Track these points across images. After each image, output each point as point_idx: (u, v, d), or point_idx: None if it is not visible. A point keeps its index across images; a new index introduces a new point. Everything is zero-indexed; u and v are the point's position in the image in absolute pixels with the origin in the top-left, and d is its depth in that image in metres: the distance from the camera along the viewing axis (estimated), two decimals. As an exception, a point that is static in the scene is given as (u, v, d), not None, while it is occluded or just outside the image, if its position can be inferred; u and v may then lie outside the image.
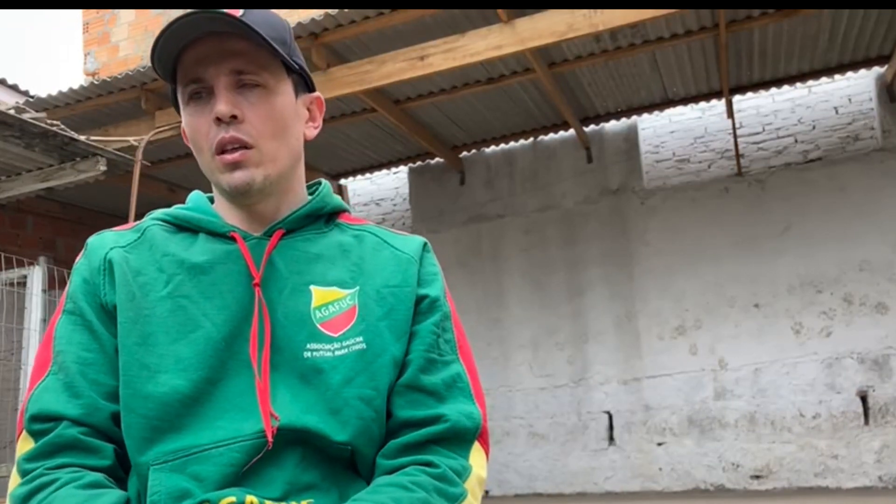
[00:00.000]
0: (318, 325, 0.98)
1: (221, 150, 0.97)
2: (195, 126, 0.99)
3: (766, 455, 5.89)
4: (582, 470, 6.41)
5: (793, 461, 5.80)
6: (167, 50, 0.96)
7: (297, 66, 1.03)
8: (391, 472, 0.95)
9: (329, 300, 1.00)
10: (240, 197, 1.00)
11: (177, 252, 1.01)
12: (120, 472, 0.95)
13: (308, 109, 1.08)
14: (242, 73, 0.97)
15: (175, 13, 7.67)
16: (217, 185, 1.02)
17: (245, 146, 0.97)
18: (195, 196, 1.11)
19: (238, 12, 0.95)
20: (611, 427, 6.41)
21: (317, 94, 1.10)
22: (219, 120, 0.96)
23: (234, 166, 0.97)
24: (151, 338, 0.94)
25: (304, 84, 1.07)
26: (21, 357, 4.55)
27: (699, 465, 6.07)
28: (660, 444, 6.21)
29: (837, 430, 5.71)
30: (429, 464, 0.94)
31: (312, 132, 1.09)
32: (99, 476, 0.91)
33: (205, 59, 0.96)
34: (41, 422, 0.93)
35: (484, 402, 1.04)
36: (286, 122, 1.02)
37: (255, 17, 0.97)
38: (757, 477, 5.88)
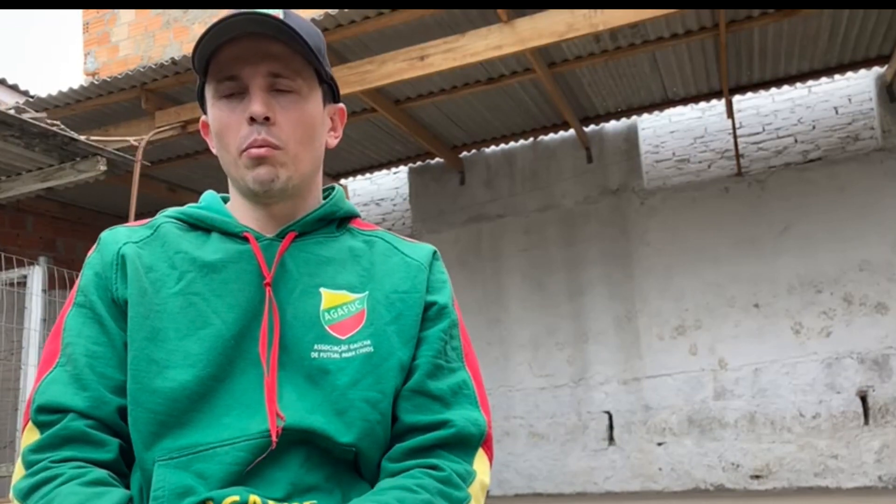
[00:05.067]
0: (327, 327, 0.98)
1: (249, 148, 0.98)
2: (224, 122, 1.00)
3: (766, 455, 5.89)
4: (582, 470, 6.41)
5: (793, 461, 5.80)
6: (207, 45, 0.97)
7: (328, 76, 1.05)
8: (396, 475, 0.95)
9: (338, 303, 1.00)
10: (261, 195, 1.01)
11: (189, 250, 1.01)
12: (124, 466, 0.95)
13: (331, 119, 1.10)
14: (279, 76, 0.99)
15: (176, 13, 7.67)
16: (238, 181, 1.02)
17: (274, 148, 0.98)
18: (209, 196, 1.12)
19: (279, 14, 0.96)
20: (611, 427, 6.41)
21: (341, 105, 1.12)
22: (252, 120, 0.97)
23: (260, 161, 0.98)
24: (161, 333, 0.95)
25: (332, 94, 1.09)
26: (21, 357, 4.55)
27: (699, 465, 6.07)
28: (660, 444, 6.22)
29: (837, 430, 5.71)
30: (434, 467, 0.95)
31: (333, 141, 1.11)
32: (103, 473, 0.92)
33: (242, 58, 0.98)
34: (48, 413, 0.93)
35: (489, 409, 1.05)
36: (314, 129, 1.03)
37: (296, 23, 0.98)
38: (757, 477, 5.89)
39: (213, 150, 1.08)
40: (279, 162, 0.99)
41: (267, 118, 0.97)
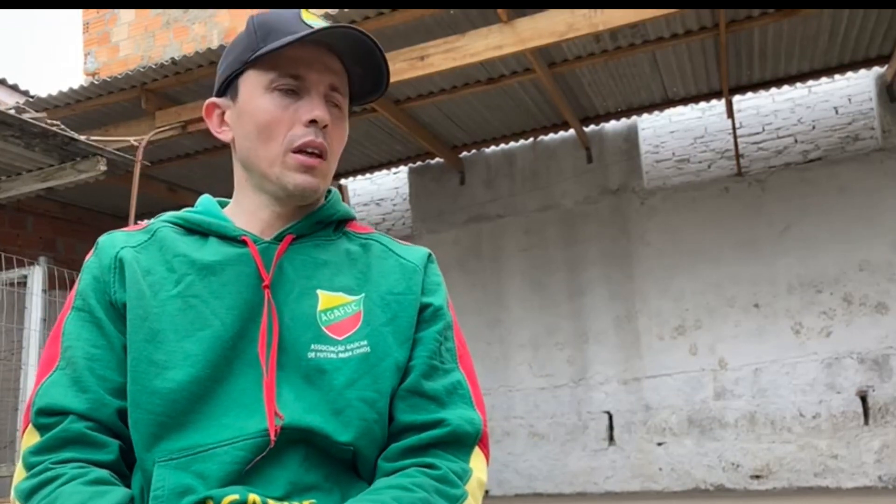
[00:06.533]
0: (324, 328, 0.99)
1: (300, 150, 1.01)
2: (276, 117, 1.01)
3: (766, 455, 5.89)
4: (582, 470, 6.41)
5: (793, 461, 5.80)
6: (282, 36, 1.00)
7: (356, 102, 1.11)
8: (392, 474, 0.96)
9: (335, 304, 1.01)
10: (295, 198, 1.04)
11: (188, 252, 1.02)
12: (124, 468, 0.96)
13: None
14: (335, 90, 1.04)
15: (176, 13, 7.66)
16: (272, 178, 1.03)
17: (322, 156, 1.02)
18: (205, 200, 1.12)
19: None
20: (611, 427, 6.41)
21: None
22: (313, 122, 1.00)
23: (308, 169, 1.01)
24: (160, 335, 0.96)
25: None
26: (21, 357, 4.55)
27: (699, 465, 6.07)
28: (660, 444, 6.22)
29: (837, 430, 5.71)
30: (430, 466, 0.95)
31: None
32: (104, 472, 0.92)
33: (310, 63, 1.02)
34: (48, 416, 0.94)
35: (484, 408, 1.05)
36: (344, 145, 1.09)
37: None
38: (757, 477, 5.89)
39: (219, 135, 1.08)
40: (322, 174, 1.03)
41: (325, 126, 1.01)
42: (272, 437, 0.91)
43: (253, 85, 1.02)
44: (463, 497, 0.95)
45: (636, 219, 6.59)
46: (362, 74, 1.06)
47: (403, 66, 4.88)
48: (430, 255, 1.13)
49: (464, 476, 0.97)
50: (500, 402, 6.69)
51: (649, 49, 5.50)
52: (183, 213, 1.09)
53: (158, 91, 5.55)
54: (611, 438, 6.39)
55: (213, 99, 1.08)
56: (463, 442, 0.99)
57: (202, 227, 1.05)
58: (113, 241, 1.05)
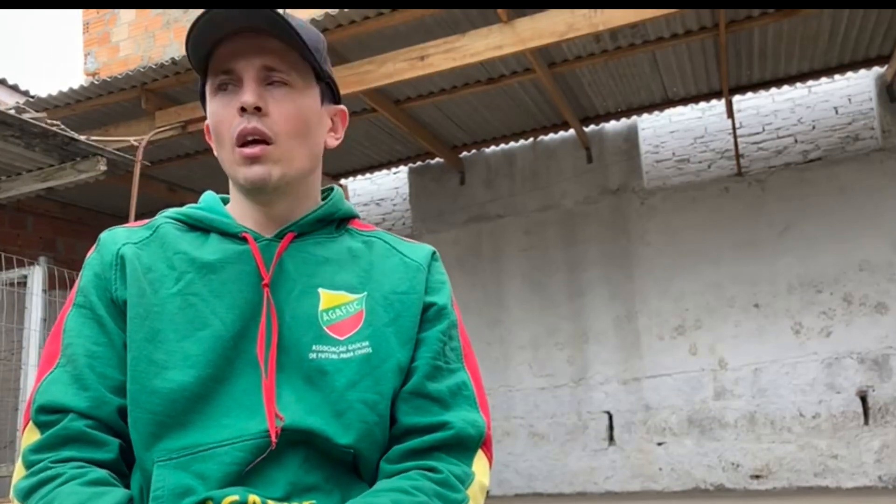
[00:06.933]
0: (325, 328, 0.98)
1: (242, 142, 0.98)
2: (220, 116, 1.00)
3: (765, 455, 5.89)
4: (582, 470, 6.41)
5: (793, 461, 5.80)
6: (202, 41, 0.97)
7: (326, 75, 1.05)
8: (393, 475, 0.95)
9: (337, 304, 1.00)
10: (255, 192, 1.01)
11: (188, 250, 1.01)
12: (124, 466, 0.95)
13: (332, 120, 1.09)
14: (273, 70, 0.99)
15: (176, 13, 7.66)
16: (234, 179, 1.02)
17: (265, 141, 0.98)
18: (208, 196, 1.11)
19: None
20: (611, 427, 6.41)
21: (342, 106, 1.12)
22: (243, 110, 0.97)
23: (253, 160, 0.98)
24: (160, 334, 0.95)
25: (332, 95, 1.09)
26: (21, 357, 4.55)
27: (699, 465, 6.07)
28: (660, 444, 6.22)
29: (837, 430, 5.71)
30: (431, 469, 0.95)
31: (333, 142, 1.10)
32: (103, 473, 0.92)
33: (237, 53, 0.98)
34: (48, 413, 0.93)
35: (488, 410, 1.04)
36: (309, 124, 1.02)
37: (293, 21, 0.99)
38: (757, 477, 5.89)
39: (215, 152, 1.07)
40: (272, 160, 0.98)
41: (258, 108, 0.97)
42: (273, 438, 0.91)
43: (207, 95, 1.03)
44: (464, 501, 0.95)
45: (636, 219, 6.59)
46: (303, 46, 0.99)
47: (403, 66, 4.88)
48: (434, 252, 1.11)
49: (465, 480, 0.96)
50: (500, 402, 6.69)
51: (649, 49, 5.50)
52: (185, 209, 1.08)
53: (158, 91, 5.55)
54: (611, 438, 6.39)
55: (208, 121, 1.09)
56: (466, 445, 0.98)
57: (204, 224, 1.04)
58: (114, 238, 1.04)
